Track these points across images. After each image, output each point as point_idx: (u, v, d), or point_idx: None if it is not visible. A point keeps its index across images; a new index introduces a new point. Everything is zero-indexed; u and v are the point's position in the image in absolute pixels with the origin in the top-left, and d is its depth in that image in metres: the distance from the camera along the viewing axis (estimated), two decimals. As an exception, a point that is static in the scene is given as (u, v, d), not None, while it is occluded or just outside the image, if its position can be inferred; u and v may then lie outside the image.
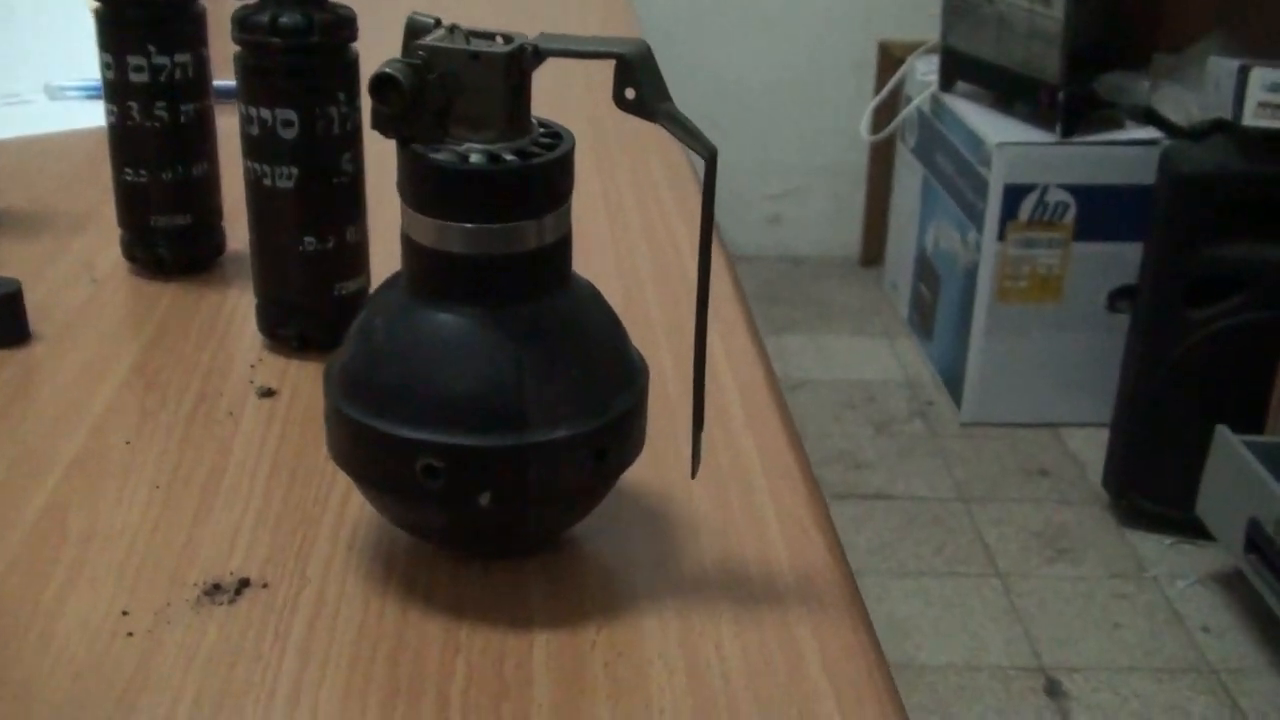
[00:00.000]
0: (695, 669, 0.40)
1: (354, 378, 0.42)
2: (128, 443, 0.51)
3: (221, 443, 0.52)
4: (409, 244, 0.42)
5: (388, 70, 0.39)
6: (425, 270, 0.41)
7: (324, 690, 0.39)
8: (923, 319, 2.45)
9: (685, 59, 2.61)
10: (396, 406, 0.40)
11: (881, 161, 2.71)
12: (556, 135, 0.42)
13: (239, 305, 0.63)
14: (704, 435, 0.44)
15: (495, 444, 0.40)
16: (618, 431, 0.42)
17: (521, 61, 0.40)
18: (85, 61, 1.00)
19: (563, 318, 0.42)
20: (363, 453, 0.42)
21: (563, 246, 0.42)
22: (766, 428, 0.53)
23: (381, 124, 0.40)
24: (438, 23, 0.41)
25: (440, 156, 0.40)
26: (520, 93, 0.40)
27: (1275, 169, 1.75)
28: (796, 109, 2.75)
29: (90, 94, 0.93)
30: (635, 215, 0.75)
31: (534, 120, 0.42)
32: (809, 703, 0.38)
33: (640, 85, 0.39)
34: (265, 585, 0.43)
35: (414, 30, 0.41)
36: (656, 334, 0.61)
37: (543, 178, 0.40)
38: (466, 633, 0.41)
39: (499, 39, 0.41)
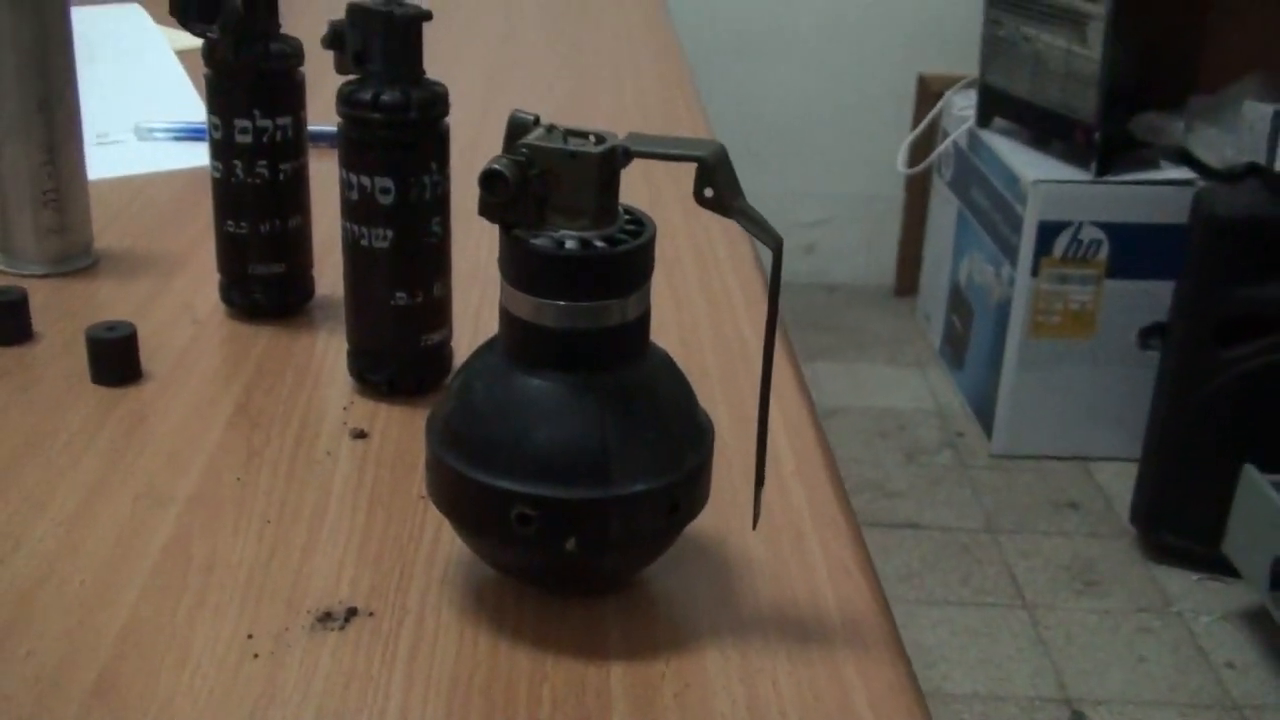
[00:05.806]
0: (754, 702, 0.45)
1: (455, 432, 0.47)
2: (238, 479, 0.57)
3: (323, 481, 0.57)
4: (507, 316, 0.47)
5: (496, 166, 0.44)
6: (521, 340, 0.47)
7: (428, 710, 0.44)
8: (955, 350, 2.49)
9: (725, 85, 2.66)
10: (494, 460, 0.46)
11: (917, 193, 2.76)
12: (639, 222, 0.47)
13: (329, 349, 0.69)
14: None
15: (581, 496, 0.45)
16: (688, 486, 0.47)
17: (613, 161, 0.45)
18: (171, 103, 1.06)
19: (642, 384, 0.47)
20: (462, 500, 0.47)
21: (643, 321, 0.47)
22: (815, 477, 0.58)
23: (488, 211, 0.45)
24: (536, 121, 0.47)
25: (538, 242, 0.45)
26: (610, 187, 0.46)
27: (1306, 214, 1.79)
28: (834, 139, 2.81)
29: (178, 135, 0.99)
30: (694, 276, 0.80)
31: (620, 208, 0.47)
32: (856, 734, 0.43)
33: (718, 185, 0.44)
34: (371, 614, 0.49)
35: (516, 127, 0.46)
36: (713, 388, 0.66)
37: (628, 262, 0.46)
38: (551, 663, 0.46)
39: (592, 138, 0.46)
